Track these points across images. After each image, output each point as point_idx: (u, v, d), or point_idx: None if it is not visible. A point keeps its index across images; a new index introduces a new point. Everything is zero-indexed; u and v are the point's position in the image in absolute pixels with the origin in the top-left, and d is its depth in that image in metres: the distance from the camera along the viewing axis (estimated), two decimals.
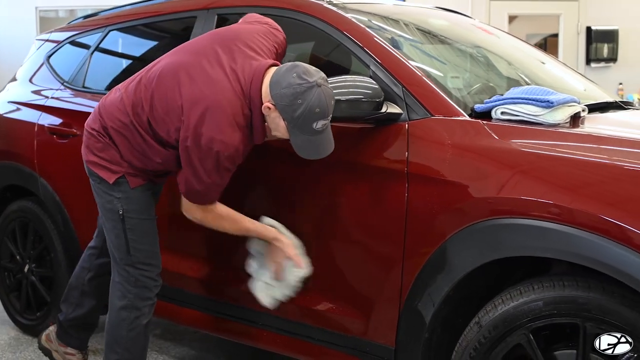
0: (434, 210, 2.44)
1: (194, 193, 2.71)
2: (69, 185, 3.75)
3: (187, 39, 3.35)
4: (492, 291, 2.41)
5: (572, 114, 2.57)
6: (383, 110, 2.59)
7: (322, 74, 2.53)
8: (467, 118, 2.54)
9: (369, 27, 2.94)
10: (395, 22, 3.31)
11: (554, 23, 9.69)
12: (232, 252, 3.04)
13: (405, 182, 2.52)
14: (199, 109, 2.58)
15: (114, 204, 2.86)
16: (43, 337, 3.53)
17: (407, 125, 2.58)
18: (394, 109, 2.61)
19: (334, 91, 2.55)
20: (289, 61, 3.31)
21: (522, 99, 2.51)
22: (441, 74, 2.98)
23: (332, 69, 3.24)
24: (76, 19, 4.50)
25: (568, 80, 3.49)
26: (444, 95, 2.61)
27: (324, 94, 2.48)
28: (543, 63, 3.64)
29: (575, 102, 2.60)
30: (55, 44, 4.31)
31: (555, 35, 9.72)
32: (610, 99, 3.24)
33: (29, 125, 4.01)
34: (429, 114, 2.57)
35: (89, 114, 3.03)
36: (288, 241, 2.78)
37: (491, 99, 2.60)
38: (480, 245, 2.33)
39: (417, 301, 2.51)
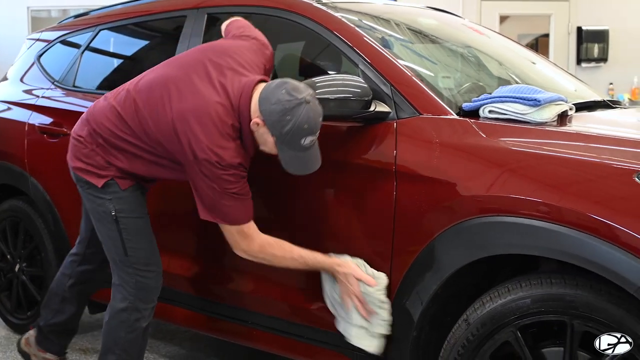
0: (422, 209, 2.45)
1: (211, 208, 2.65)
2: (60, 185, 3.74)
3: (177, 38, 3.37)
4: (480, 290, 2.41)
5: (560, 112, 2.58)
6: (371, 109, 2.59)
7: (311, 91, 2.54)
8: (455, 117, 2.54)
9: (358, 26, 2.95)
10: (385, 21, 3.32)
11: (544, 23, 9.72)
12: (221, 250, 3.04)
13: (394, 181, 2.52)
14: (191, 123, 2.58)
15: (105, 206, 2.86)
16: (22, 341, 3.52)
17: (395, 123, 2.59)
18: (382, 107, 2.62)
19: (323, 89, 2.56)
20: (279, 61, 3.34)
21: (510, 97, 2.52)
22: (430, 73, 2.99)
23: (321, 68, 3.27)
24: (67, 19, 4.50)
25: (559, 80, 3.50)
26: (432, 94, 2.62)
27: (312, 110, 2.50)
28: (534, 63, 3.65)
29: (562, 100, 2.62)
30: (45, 44, 4.31)
31: (546, 36, 9.75)
32: (598, 98, 3.26)
33: (20, 124, 4.00)
34: (417, 112, 2.58)
35: (79, 113, 3.03)
36: (348, 262, 2.64)
37: (479, 98, 2.61)
38: (468, 244, 2.34)
39: (406, 299, 2.52)
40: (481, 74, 3.31)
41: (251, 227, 2.68)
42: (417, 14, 3.73)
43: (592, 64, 9.65)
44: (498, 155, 2.37)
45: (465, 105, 2.60)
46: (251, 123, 2.58)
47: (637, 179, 2.09)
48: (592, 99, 3.20)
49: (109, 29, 3.99)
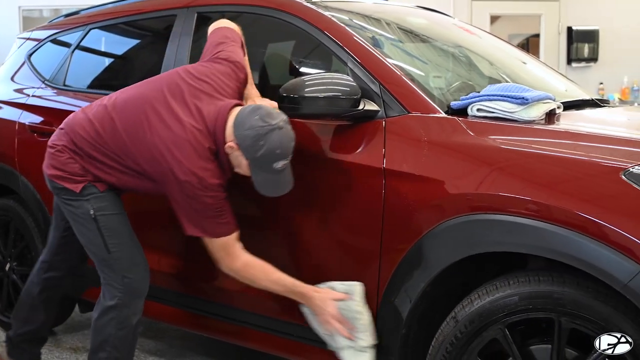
0: (410, 207, 2.46)
1: (195, 224, 2.73)
2: None
3: (168, 37, 3.37)
4: (469, 288, 2.42)
5: (547, 110, 2.59)
6: (360, 107, 2.60)
7: (284, 117, 2.61)
8: (444, 115, 2.55)
9: (348, 25, 2.95)
10: (376, 21, 3.32)
11: (535, 23, 9.75)
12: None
13: (382, 179, 2.53)
14: (172, 150, 2.64)
15: (84, 207, 2.87)
16: None
17: (384, 122, 2.60)
18: (371, 106, 2.63)
19: (313, 88, 2.58)
20: (269, 60, 3.34)
21: (498, 95, 2.53)
22: (420, 72, 2.99)
23: (311, 67, 3.28)
24: (57, 17, 4.50)
25: (549, 80, 3.51)
26: (421, 93, 2.63)
27: (285, 136, 2.58)
28: (524, 63, 3.66)
29: (550, 99, 2.63)
30: (36, 42, 4.30)
31: (537, 36, 9.78)
32: (587, 97, 3.27)
33: (10, 123, 3.99)
34: (405, 111, 2.59)
35: (69, 112, 3.04)
36: (325, 288, 2.70)
37: (467, 96, 2.62)
38: (457, 241, 2.35)
39: (394, 297, 2.52)
40: (472, 74, 3.32)
41: (236, 245, 2.75)
42: (407, 13, 3.73)
43: (583, 64, 9.69)
44: (486, 153, 2.38)
45: (454, 104, 2.61)
46: (226, 146, 2.65)
47: (624, 177, 2.10)
48: (579, 98, 3.21)
49: (99, 28, 3.99)
